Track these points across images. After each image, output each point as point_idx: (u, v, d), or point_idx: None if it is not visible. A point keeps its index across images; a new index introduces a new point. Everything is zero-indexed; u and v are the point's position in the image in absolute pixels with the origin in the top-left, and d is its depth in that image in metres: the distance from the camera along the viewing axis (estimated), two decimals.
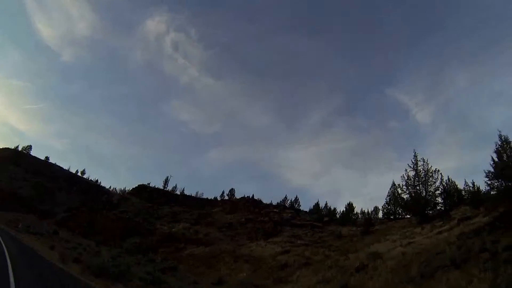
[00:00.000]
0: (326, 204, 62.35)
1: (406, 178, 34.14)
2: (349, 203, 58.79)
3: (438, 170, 33.51)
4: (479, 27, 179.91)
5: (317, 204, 65.63)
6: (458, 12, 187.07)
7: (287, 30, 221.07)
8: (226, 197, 68.90)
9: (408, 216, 39.70)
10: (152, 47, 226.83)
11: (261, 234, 46.71)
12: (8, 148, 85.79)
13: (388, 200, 47.22)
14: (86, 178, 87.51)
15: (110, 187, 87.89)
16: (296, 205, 64.29)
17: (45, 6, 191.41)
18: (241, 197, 65.13)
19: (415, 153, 34.60)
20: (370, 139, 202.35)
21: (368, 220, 43.19)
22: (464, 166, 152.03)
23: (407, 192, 34.56)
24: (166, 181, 69.89)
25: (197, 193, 69.17)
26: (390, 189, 46.68)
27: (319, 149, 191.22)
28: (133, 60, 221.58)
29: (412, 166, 34.49)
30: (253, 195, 64.72)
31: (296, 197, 67.65)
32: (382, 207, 49.72)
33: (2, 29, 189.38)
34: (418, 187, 33.63)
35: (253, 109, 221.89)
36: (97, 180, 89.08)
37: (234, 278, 28.70)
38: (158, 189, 69.05)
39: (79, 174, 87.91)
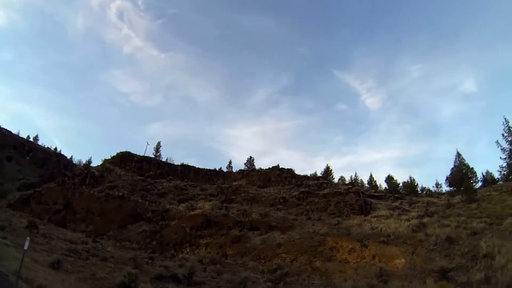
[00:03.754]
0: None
1: None
2: (389, 175, 54.14)
3: None
4: (435, 22, 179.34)
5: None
6: (416, 6, 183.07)
7: (237, 5, 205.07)
8: (234, 168, 56.00)
9: None
10: (95, 14, 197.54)
11: (349, 210, 37.49)
12: None
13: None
14: (41, 146, 68.10)
15: (71, 157, 69.76)
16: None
17: None
18: (272, 167, 52.29)
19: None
20: (316, 120, 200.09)
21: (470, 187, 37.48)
22: (409, 156, 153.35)
23: None
24: (157, 148, 54.49)
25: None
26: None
27: (263, 128, 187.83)
28: (73, 27, 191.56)
29: None
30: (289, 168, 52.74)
31: (328, 168, 57.26)
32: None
33: None
34: None
35: (197, 84, 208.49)
36: (55, 149, 70.08)
37: None
38: (149, 158, 53.42)
39: (31, 140, 68.01)
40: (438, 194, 47.90)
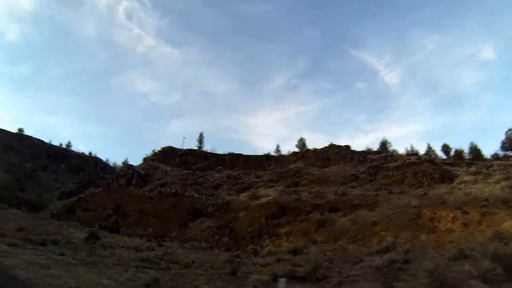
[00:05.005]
0: None
1: None
2: (445, 144, 53.07)
3: None
4: None
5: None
6: None
7: None
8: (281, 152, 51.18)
9: None
10: (103, 18, 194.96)
11: (429, 179, 33.98)
12: None
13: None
14: (76, 152, 65.15)
15: (107, 160, 66.59)
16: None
17: None
18: (329, 146, 47.42)
19: None
20: (337, 101, 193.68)
21: None
22: (433, 129, 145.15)
23: None
24: (200, 140, 50.13)
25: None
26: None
27: (284, 114, 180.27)
28: (84, 34, 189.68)
29: None
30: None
31: (386, 141, 52.07)
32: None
33: None
34: None
35: (213, 76, 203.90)
36: (90, 153, 66.79)
37: None
38: (193, 150, 49.15)
39: (64, 147, 65.14)
40: (505, 158, 45.92)
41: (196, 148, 49.89)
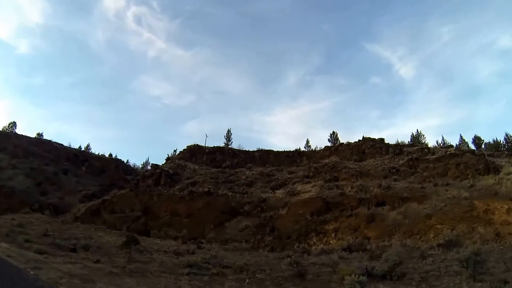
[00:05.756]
0: None
1: None
2: (476, 136, 49.89)
3: None
4: None
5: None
6: None
7: None
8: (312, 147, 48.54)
9: None
10: (113, 24, 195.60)
11: (473, 171, 31.47)
12: None
13: None
14: (96, 154, 63.46)
15: (127, 161, 64.63)
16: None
17: None
18: (363, 139, 44.74)
19: None
20: (352, 97, 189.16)
21: None
22: (451, 123, 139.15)
23: None
24: (228, 137, 47.72)
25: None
26: None
27: (300, 111, 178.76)
28: (94, 41, 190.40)
29: None
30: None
31: (419, 133, 48.90)
32: None
33: None
34: None
35: (227, 75, 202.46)
36: (110, 155, 64.62)
37: None
38: (221, 147, 46.79)
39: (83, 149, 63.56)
40: None
41: (223, 145, 47.38)
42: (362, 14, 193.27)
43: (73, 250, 18.82)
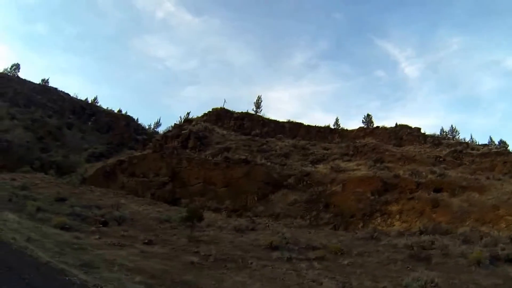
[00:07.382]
0: None
1: None
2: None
3: None
4: None
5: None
6: None
7: None
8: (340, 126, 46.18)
9: None
10: None
11: None
12: None
13: None
14: (104, 108, 58.81)
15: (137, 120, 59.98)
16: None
17: None
18: (400, 125, 42.86)
19: None
20: (354, 85, 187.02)
21: None
22: (444, 126, 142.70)
23: None
24: (258, 104, 43.92)
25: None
26: None
27: (301, 91, 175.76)
28: None
29: None
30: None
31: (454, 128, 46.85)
32: None
33: None
34: None
35: (234, 47, 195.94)
36: (120, 111, 58.75)
37: None
38: (250, 114, 43.26)
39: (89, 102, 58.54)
40: None
41: (252, 112, 43.87)
42: (375, 10, 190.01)
43: (104, 223, 15.73)
